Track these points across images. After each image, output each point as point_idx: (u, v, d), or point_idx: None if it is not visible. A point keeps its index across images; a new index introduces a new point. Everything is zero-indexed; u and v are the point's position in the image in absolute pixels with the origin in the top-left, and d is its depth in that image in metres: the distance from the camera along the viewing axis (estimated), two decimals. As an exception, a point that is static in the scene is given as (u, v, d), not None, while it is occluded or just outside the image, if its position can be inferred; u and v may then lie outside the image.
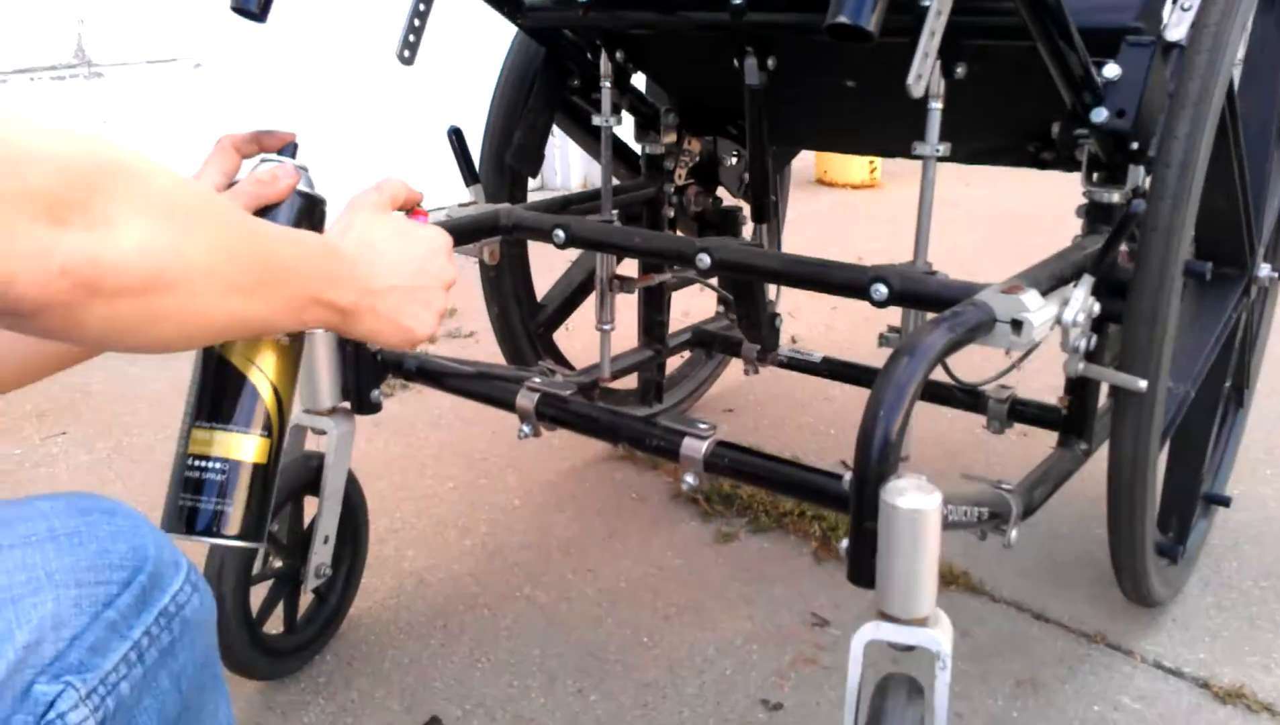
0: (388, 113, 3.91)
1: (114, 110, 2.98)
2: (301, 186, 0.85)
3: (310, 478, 1.37)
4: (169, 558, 0.64)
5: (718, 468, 1.16)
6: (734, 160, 1.93)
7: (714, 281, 1.90)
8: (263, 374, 0.82)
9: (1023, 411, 1.62)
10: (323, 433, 1.36)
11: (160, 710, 0.62)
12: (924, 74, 0.96)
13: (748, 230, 2.08)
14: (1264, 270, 1.53)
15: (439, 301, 0.85)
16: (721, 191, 1.97)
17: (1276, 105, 1.46)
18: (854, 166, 4.59)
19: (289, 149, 0.94)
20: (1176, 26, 1.30)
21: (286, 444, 1.39)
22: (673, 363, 2.25)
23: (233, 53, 3.45)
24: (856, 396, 2.33)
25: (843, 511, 1.01)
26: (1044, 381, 2.38)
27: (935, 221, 1.32)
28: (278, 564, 1.38)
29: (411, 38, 1.38)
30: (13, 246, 0.49)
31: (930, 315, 1.36)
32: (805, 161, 4.64)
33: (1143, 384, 1.14)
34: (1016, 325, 1.05)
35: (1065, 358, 1.20)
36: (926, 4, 1.19)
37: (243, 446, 0.82)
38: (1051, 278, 1.18)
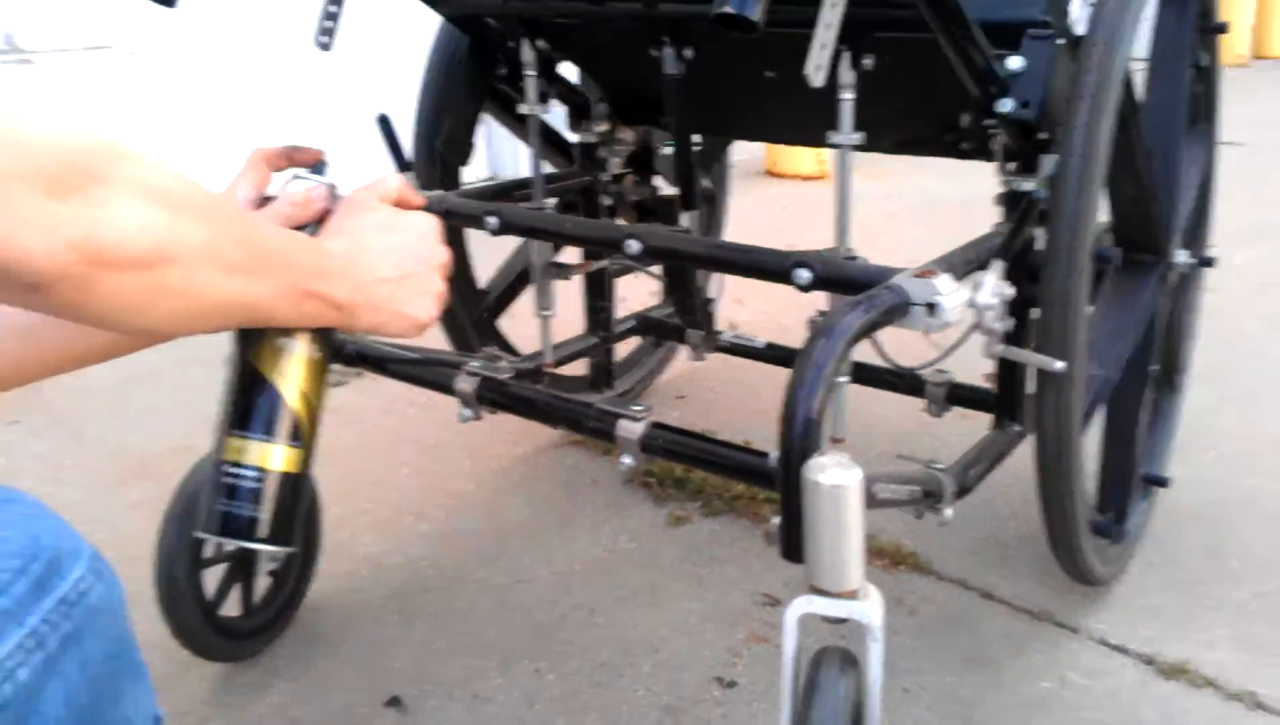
0: (320, 99, 3.89)
1: (45, 98, 2.96)
2: (330, 205, 0.89)
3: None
4: (69, 546, 0.64)
5: (653, 448, 1.20)
6: (669, 149, 1.95)
7: (655, 269, 1.94)
8: (293, 384, 0.85)
9: (960, 395, 1.66)
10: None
11: (67, 697, 0.62)
12: (822, 65, 0.98)
13: (686, 218, 2.11)
14: (1181, 257, 1.58)
15: (435, 284, 0.87)
16: (661, 180, 1.99)
17: (1182, 94, 1.51)
18: (803, 158, 4.54)
19: (320, 167, 0.97)
20: (1081, 21, 1.35)
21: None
22: (628, 348, 2.29)
23: (167, 40, 3.42)
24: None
25: (773, 488, 1.04)
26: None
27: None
28: (228, 548, 1.40)
29: (329, 23, 1.39)
30: (23, 223, 0.53)
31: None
32: (755, 153, 4.67)
33: (1059, 365, 1.19)
34: (930, 308, 1.10)
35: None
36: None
37: (273, 455, 0.85)
38: (966, 263, 1.22)
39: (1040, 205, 1.26)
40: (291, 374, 0.85)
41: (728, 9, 0.79)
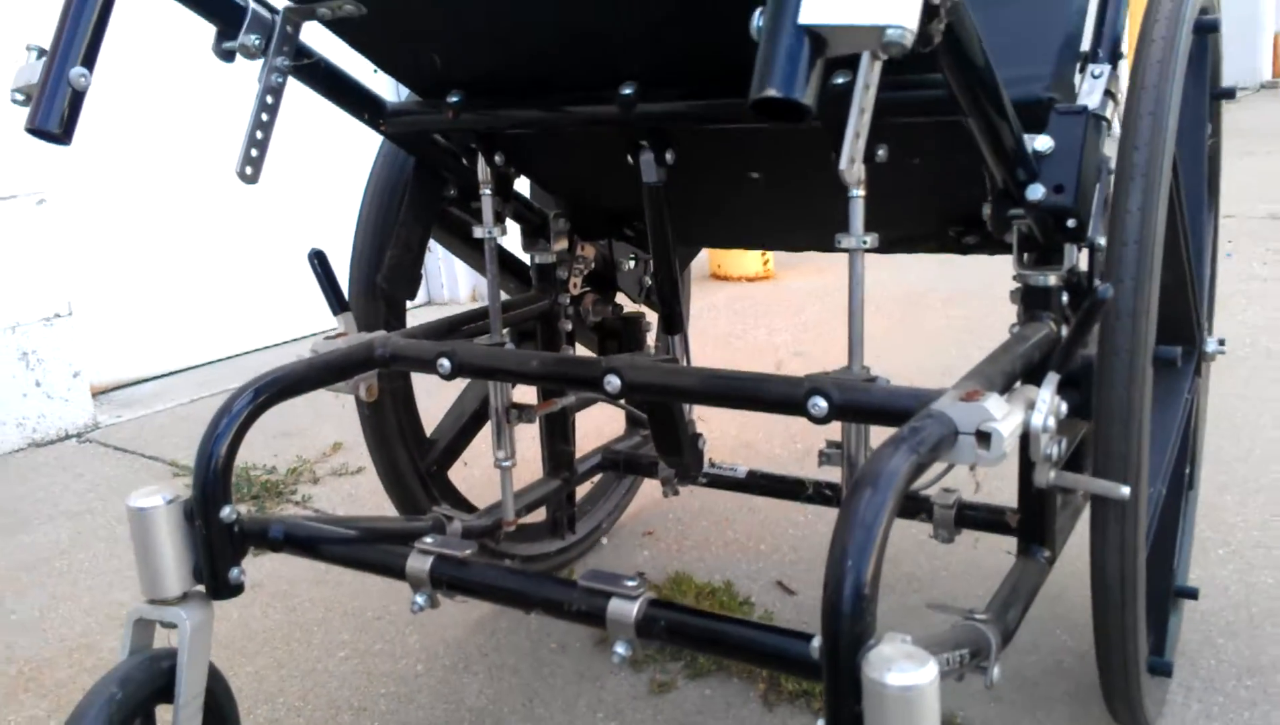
0: (246, 236, 3.70)
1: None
2: None
3: (160, 684, 1.13)
4: None
5: (653, 633, 0.97)
6: (632, 264, 1.79)
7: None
8: None
9: (972, 517, 1.48)
10: (173, 626, 1.13)
11: None
12: (856, 156, 0.82)
13: (650, 337, 1.93)
14: (1211, 344, 1.43)
15: None
16: (622, 298, 1.81)
17: (1204, 168, 1.37)
18: (748, 259, 4.55)
19: None
20: (1090, 95, 1.21)
21: (130, 642, 1.16)
22: (587, 486, 2.06)
23: (79, 184, 3.22)
24: (782, 506, 2.18)
25: (814, 680, 0.83)
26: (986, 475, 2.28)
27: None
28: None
29: (254, 152, 1.20)
30: None
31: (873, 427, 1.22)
32: (699, 257, 4.56)
33: (1125, 490, 1.00)
34: (983, 437, 0.91)
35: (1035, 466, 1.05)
36: (840, 80, 1.07)
37: None
38: (1005, 376, 1.05)
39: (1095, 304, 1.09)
40: None
41: (771, 92, 0.60)
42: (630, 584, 0.99)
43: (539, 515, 1.87)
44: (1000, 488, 1.51)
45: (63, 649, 1.78)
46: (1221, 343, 1.59)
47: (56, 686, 1.66)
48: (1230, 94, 1.48)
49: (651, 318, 1.90)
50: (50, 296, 2.92)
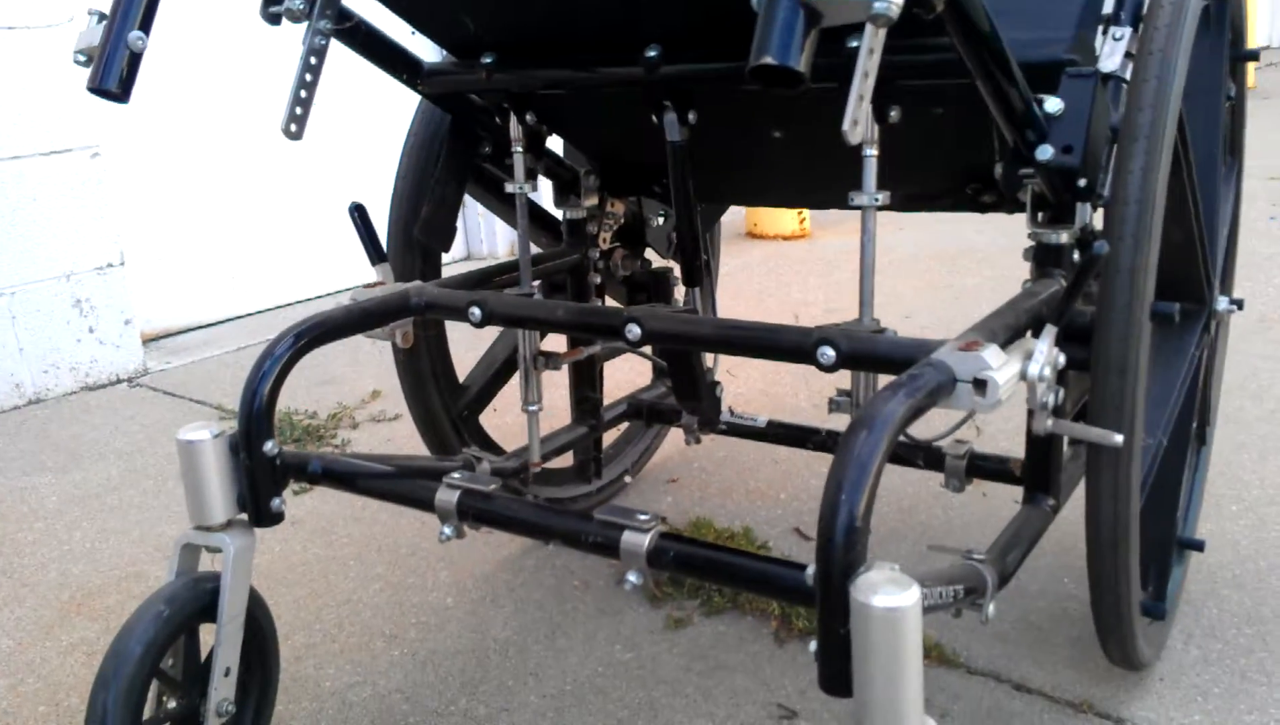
0: (290, 191, 3.79)
1: (5, 204, 2.82)
2: None
3: (205, 603, 1.21)
4: None
5: (662, 563, 1.04)
6: (660, 220, 1.83)
7: (647, 349, 1.79)
8: None
9: (982, 467, 1.53)
10: (217, 551, 1.21)
11: None
12: (859, 119, 0.87)
13: (679, 291, 1.99)
14: (1222, 303, 1.46)
15: None
16: (651, 253, 1.87)
17: (1220, 130, 1.40)
18: (784, 218, 4.57)
19: None
20: (1110, 57, 1.24)
21: (177, 565, 1.25)
22: (612, 432, 2.13)
23: (131, 139, 3.31)
24: (804, 457, 2.23)
25: (808, 606, 0.89)
26: (997, 426, 2.32)
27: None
28: (172, 704, 1.21)
29: (298, 110, 1.26)
30: None
31: (881, 376, 1.27)
32: (735, 215, 4.60)
33: (1118, 439, 1.05)
34: (979, 384, 0.96)
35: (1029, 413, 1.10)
36: (854, 44, 1.11)
37: None
38: (1008, 329, 1.09)
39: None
40: None
41: (768, 59, 0.65)
42: (643, 518, 1.05)
43: (566, 461, 1.95)
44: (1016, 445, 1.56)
45: (112, 577, 1.89)
46: (1237, 302, 1.61)
47: (106, 611, 1.77)
48: (1254, 56, 1.49)
49: (678, 272, 1.96)
50: (103, 246, 3.02)
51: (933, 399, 0.94)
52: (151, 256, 3.43)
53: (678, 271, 1.94)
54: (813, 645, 0.87)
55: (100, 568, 1.93)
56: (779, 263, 4.13)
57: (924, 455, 1.58)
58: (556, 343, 1.69)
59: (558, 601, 1.73)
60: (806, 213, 4.61)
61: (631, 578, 1.05)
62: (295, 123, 1.28)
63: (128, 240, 3.19)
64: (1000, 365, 0.96)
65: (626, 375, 2.39)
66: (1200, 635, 1.55)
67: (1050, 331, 1.02)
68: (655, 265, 1.88)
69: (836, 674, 0.85)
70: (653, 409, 1.88)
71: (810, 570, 0.91)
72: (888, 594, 0.79)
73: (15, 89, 2.79)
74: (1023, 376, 1.01)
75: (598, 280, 1.74)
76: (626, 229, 1.79)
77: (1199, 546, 1.63)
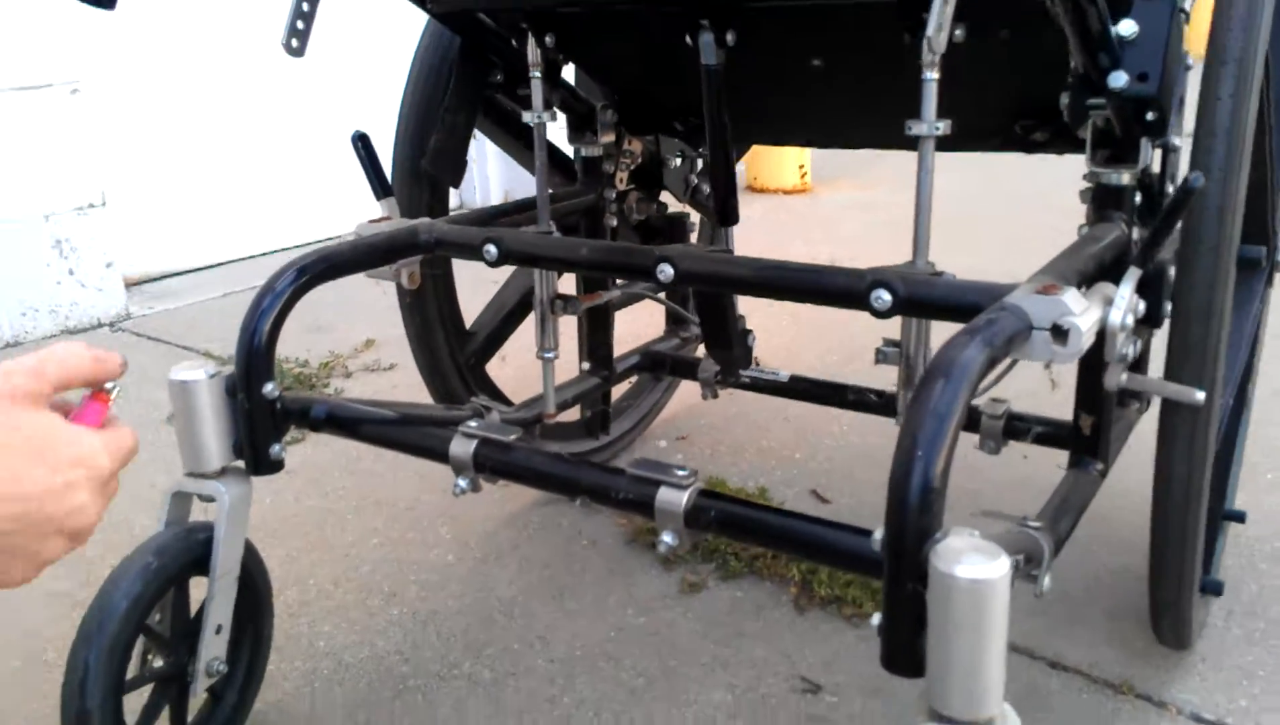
0: (283, 130, 3.64)
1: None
2: None
3: (197, 555, 1.12)
4: None
5: (701, 524, 0.95)
6: (679, 161, 1.73)
7: (664, 297, 1.69)
8: None
9: (1021, 428, 1.44)
10: (211, 500, 1.12)
11: None
12: (945, 23, 0.77)
13: (693, 238, 1.89)
14: (1284, 251, 1.37)
15: (51, 552, 0.63)
16: (669, 196, 1.77)
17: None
18: (785, 171, 4.50)
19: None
20: None
21: (168, 514, 1.15)
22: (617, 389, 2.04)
23: (113, 74, 3.16)
24: (818, 414, 2.14)
25: (873, 576, 0.80)
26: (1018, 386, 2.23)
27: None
28: (159, 663, 1.12)
29: (300, 24, 1.16)
30: None
31: (931, 324, 1.18)
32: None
33: (1200, 396, 0.96)
34: (1059, 332, 0.87)
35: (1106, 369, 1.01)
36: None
37: None
38: (1078, 274, 1.00)
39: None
40: None
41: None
42: (680, 473, 0.96)
43: (571, 416, 1.85)
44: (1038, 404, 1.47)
45: (96, 526, 1.79)
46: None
47: (86, 564, 1.67)
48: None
49: (695, 219, 1.86)
50: (84, 186, 2.89)
51: (1009, 347, 0.86)
52: (135, 198, 3.29)
53: (694, 217, 1.84)
54: (875, 619, 0.79)
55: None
56: (782, 217, 4.03)
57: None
58: (568, 289, 1.59)
59: (565, 561, 1.64)
60: (807, 166, 4.52)
61: (667, 538, 0.96)
62: (296, 38, 1.18)
63: (110, 180, 3.05)
64: (1082, 311, 0.87)
65: (634, 328, 2.29)
66: (1240, 613, 1.47)
67: (1133, 275, 0.93)
68: (671, 210, 1.77)
69: (905, 651, 0.76)
70: (668, 360, 1.78)
71: (878, 535, 0.82)
72: (973, 563, 0.71)
73: (-10, 18, 2.64)
74: (1102, 325, 0.92)
75: (612, 223, 1.63)
76: (643, 170, 1.68)
77: (1240, 518, 1.55)
